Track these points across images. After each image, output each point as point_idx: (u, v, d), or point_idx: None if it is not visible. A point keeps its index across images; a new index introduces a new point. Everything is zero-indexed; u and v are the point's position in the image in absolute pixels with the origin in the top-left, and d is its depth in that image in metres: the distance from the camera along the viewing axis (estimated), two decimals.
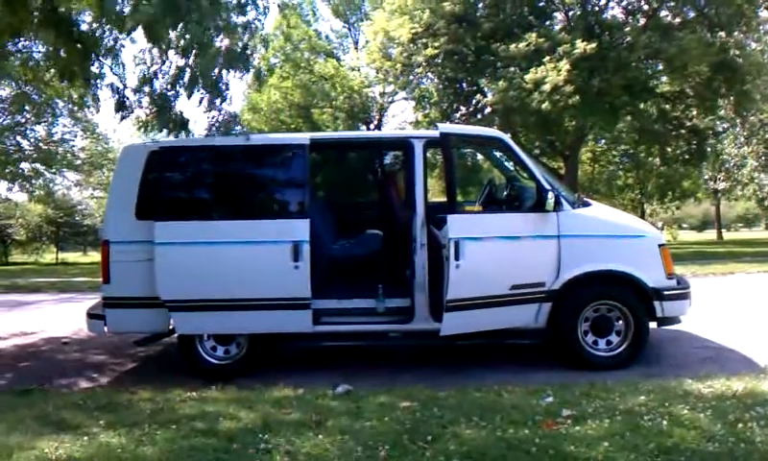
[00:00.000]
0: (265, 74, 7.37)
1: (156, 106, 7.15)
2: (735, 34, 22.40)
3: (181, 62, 7.05)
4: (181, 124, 7.03)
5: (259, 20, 7.53)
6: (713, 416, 4.47)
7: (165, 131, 7.16)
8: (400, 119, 40.66)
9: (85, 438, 4.49)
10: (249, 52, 7.21)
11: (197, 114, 7.35)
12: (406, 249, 6.74)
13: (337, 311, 6.81)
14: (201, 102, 7.04)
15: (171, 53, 7.09)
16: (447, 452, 3.99)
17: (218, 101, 7.05)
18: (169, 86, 7.17)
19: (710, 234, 55.58)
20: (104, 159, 37.83)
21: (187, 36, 6.62)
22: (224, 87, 7.08)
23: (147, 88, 7.24)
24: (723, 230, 53.20)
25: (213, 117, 7.03)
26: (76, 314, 8.60)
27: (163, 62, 7.17)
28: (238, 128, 7.18)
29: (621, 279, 6.54)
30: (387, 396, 5.32)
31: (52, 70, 9.03)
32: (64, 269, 27.61)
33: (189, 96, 7.00)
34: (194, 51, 6.75)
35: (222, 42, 7.00)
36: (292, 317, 6.45)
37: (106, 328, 6.76)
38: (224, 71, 6.99)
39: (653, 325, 6.67)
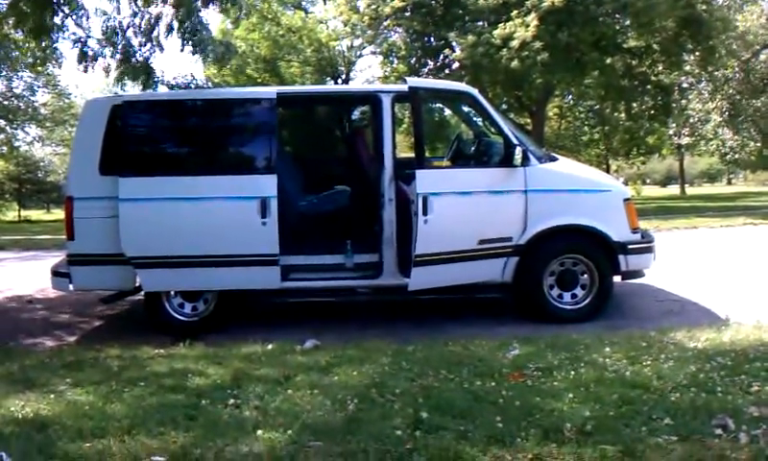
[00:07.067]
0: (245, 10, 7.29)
1: (124, 55, 7.02)
2: None
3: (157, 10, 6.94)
4: (146, 72, 6.91)
5: None
6: (676, 366, 4.56)
7: (131, 80, 7.04)
8: (368, 74, 40.37)
9: (52, 396, 4.46)
10: None
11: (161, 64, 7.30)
12: (374, 204, 6.72)
13: (305, 267, 6.81)
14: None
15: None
16: (415, 405, 4.02)
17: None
18: (141, 36, 7.05)
19: (674, 190, 56.24)
20: (66, 115, 37.13)
21: None
22: (204, 32, 6.98)
23: (114, 38, 7.11)
24: (686, 186, 53.90)
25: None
26: (40, 272, 8.49)
27: (135, 13, 7.04)
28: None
29: (586, 234, 6.61)
30: (355, 350, 5.35)
31: (10, 21, 8.75)
32: (28, 227, 27.15)
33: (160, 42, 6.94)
34: None
35: None
36: (260, 273, 6.42)
37: (71, 286, 6.67)
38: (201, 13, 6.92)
39: (617, 278, 6.78)
